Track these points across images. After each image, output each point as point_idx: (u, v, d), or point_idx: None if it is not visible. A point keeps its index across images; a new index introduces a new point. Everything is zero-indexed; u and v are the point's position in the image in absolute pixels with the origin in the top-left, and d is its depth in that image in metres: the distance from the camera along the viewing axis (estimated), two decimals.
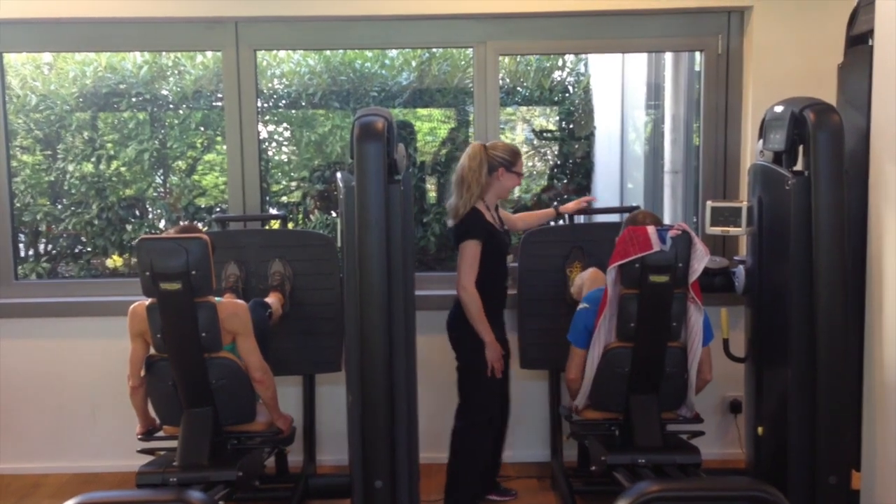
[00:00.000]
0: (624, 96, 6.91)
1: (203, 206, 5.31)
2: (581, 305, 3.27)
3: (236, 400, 3.28)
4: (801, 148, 3.20)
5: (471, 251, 3.51)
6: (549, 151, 7.16)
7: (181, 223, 3.70)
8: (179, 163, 5.35)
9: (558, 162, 6.91)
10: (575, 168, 6.81)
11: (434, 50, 5.21)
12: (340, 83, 5.13)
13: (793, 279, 3.09)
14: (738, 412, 4.24)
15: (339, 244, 3.91)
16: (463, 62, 5.39)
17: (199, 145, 5.35)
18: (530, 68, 6.68)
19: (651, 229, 3.02)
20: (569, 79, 6.95)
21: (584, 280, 3.57)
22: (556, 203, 3.95)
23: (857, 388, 3.09)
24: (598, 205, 5.06)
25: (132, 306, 3.26)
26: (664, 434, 3.19)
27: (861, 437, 3.11)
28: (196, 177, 5.44)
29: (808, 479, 3.07)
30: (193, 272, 3.09)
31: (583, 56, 6.75)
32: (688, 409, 3.28)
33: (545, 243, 3.94)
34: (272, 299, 3.81)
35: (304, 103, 5.23)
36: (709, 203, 3.73)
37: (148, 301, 3.17)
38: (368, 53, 5.23)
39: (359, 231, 3.10)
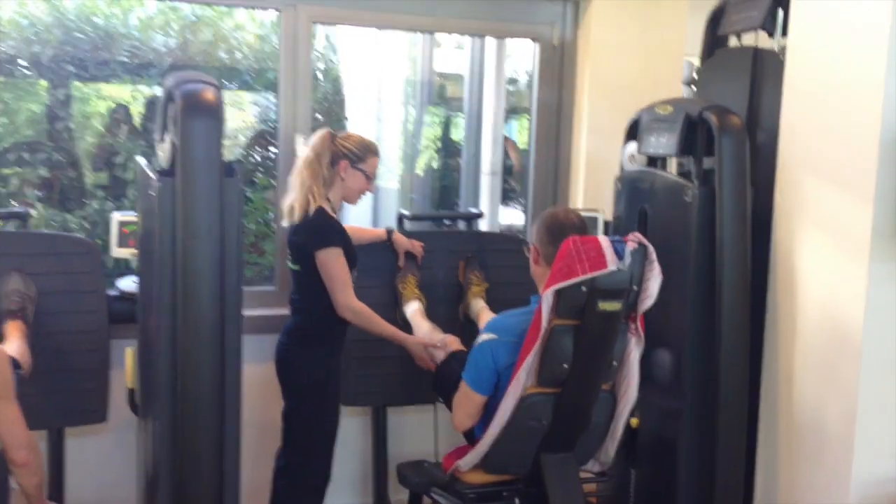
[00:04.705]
0: (381, 89, 6.45)
1: None
2: (485, 336, 2.57)
3: None
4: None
5: (334, 261, 2.83)
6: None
7: None
8: None
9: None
10: None
11: (199, 10, 4.30)
12: (76, 42, 4.03)
13: (692, 298, 2.75)
14: None
15: (112, 252, 3.01)
16: (228, 32, 4.53)
17: None
18: (278, 49, 5.97)
19: (605, 241, 2.38)
20: (318, 65, 6.33)
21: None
22: (389, 229, 3.28)
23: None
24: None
25: None
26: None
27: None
28: None
29: None
30: None
31: (333, 42, 6.18)
32: (600, 462, 2.72)
33: (371, 253, 3.25)
34: (14, 338, 2.74)
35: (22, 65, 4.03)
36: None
37: None
38: (107, 8, 4.18)
39: (185, 241, 2.28)
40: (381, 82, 6.30)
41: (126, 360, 2.88)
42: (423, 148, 6.16)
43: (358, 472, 3.55)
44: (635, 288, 2.43)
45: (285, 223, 2.94)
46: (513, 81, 5.84)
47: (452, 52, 6.30)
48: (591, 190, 3.71)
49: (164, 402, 2.45)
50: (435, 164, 6.28)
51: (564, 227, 2.52)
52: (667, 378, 2.90)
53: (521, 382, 2.42)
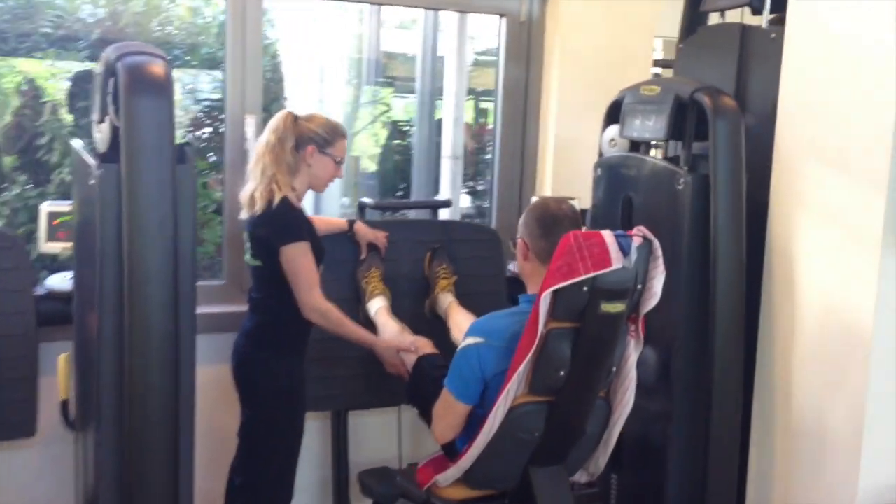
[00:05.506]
0: (323, 68, 6.15)
1: None
2: (471, 340, 2.30)
3: None
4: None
5: (301, 258, 2.56)
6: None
7: None
8: None
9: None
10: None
11: None
12: None
13: (684, 292, 2.57)
14: None
15: (40, 246, 2.69)
16: (162, 2, 4.18)
17: None
18: (213, 23, 5.63)
19: (609, 237, 2.14)
20: None
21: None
22: (351, 219, 3.02)
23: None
24: None
25: None
26: None
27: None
28: None
29: None
30: None
31: (270, 17, 5.85)
32: (589, 473, 2.52)
33: (330, 245, 2.98)
34: None
35: None
36: (535, 199, 3.14)
37: None
38: None
39: (132, 236, 1.99)
40: (323, 61, 6.00)
41: (58, 368, 2.57)
42: (367, 130, 5.90)
43: (316, 481, 3.28)
44: (639, 287, 2.22)
45: (244, 215, 2.65)
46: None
47: (398, 31, 6.05)
48: (561, 175, 3.51)
49: (108, 413, 2.19)
50: (379, 148, 6.03)
51: (558, 219, 2.29)
52: (653, 379, 2.72)
53: (511, 391, 2.19)
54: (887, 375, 2.26)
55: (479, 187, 5.61)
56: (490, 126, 5.67)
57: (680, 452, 2.65)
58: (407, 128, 6.10)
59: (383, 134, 6.08)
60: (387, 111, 6.15)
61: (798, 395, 2.49)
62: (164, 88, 2.02)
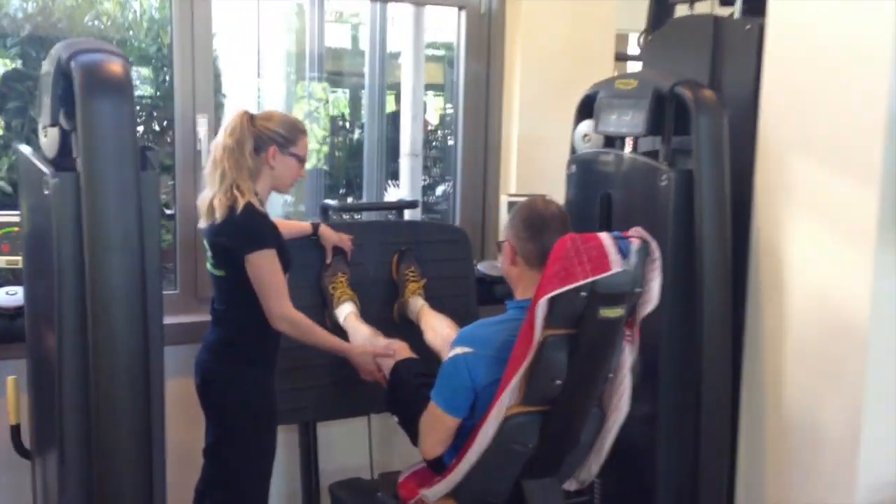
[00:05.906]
0: (260, 63, 5.96)
1: None
2: (459, 349, 2.18)
3: None
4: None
5: (268, 265, 2.41)
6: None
7: None
8: None
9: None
10: None
11: None
12: None
13: (669, 291, 2.49)
14: None
15: None
16: None
17: None
18: (143, 18, 5.39)
19: (607, 239, 2.04)
20: None
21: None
22: (315, 222, 2.87)
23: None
24: None
25: None
26: None
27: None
28: None
29: None
30: None
31: None
32: (579, 481, 2.42)
33: (295, 250, 2.82)
34: None
35: None
36: (504, 197, 3.04)
37: None
38: None
39: (95, 251, 1.83)
40: (262, 55, 5.80)
41: (7, 391, 2.38)
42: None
43: (285, 494, 3.13)
44: (637, 290, 2.14)
45: (202, 224, 2.47)
46: (395, 55, 5.51)
47: (340, 25, 5.89)
48: (525, 171, 3.42)
49: (73, 436, 2.03)
50: (320, 145, 5.86)
51: (546, 221, 2.18)
52: (638, 381, 2.63)
53: (504, 402, 2.08)
54: (885, 369, 2.22)
55: (424, 182, 5.50)
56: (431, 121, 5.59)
57: (667, 454, 2.59)
58: (342, 123, 5.96)
59: (324, 131, 5.92)
60: (324, 105, 5.99)
61: (790, 393, 2.44)
62: (123, 89, 1.86)
